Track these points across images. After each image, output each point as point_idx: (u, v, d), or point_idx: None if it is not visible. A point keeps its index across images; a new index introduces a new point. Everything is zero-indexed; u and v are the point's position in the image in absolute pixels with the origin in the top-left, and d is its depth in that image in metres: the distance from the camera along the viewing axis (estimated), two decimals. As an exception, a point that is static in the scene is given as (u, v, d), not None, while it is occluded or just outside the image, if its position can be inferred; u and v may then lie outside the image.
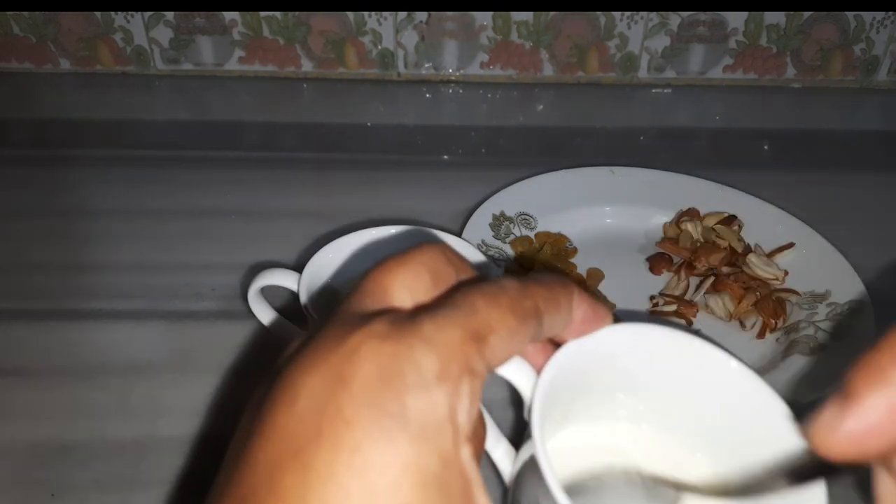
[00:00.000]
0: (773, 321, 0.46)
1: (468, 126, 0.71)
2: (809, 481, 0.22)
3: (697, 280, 0.50)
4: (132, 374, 0.43)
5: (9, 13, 0.71)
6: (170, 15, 0.72)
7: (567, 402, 0.26)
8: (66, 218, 0.56)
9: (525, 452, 0.25)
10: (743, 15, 0.72)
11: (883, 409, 0.18)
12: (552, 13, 0.72)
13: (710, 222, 0.54)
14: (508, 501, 0.27)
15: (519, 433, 0.25)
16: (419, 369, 0.18)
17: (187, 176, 0.61)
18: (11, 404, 0.41)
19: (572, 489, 0.26)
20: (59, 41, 0.73)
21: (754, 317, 0.47)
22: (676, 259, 0.52)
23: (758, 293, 0.48)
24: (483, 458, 0.26)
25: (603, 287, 0.50)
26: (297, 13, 0.72)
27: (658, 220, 0.56)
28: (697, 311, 0.48)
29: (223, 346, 0.45)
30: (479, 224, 0.52)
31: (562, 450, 0.27)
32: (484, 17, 0.72)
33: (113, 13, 0.71)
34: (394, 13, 0.72)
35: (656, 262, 0.52)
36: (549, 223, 0.54)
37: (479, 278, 0.22)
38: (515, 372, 0.24)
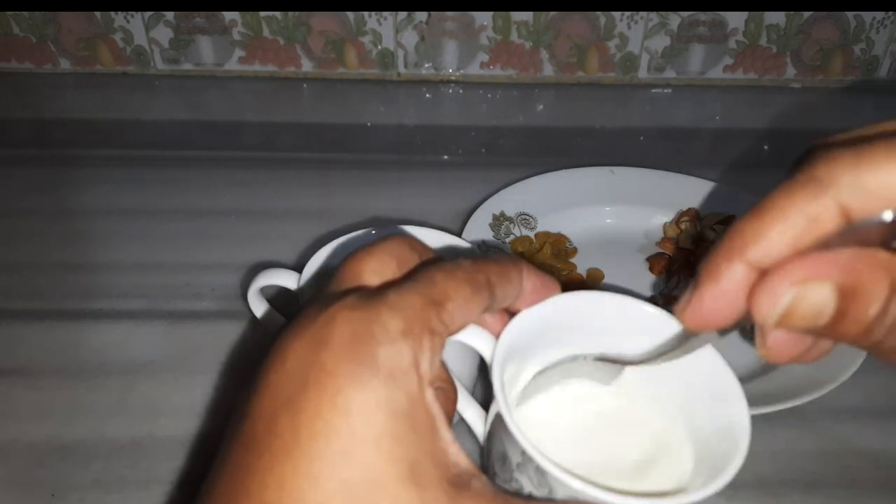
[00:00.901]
0: (774, 321, 0.46)
1: (468, 126, 0.71)
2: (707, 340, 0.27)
3: (697, 280, 0.50)
4: (132, 374, 0.43)
5: (9, 13, 0.71)
6: (170, 15, 0.72)
7: (526, 361, 0.30)
8: (66, 218, 0.56)
9: (492, 411, 0.29)
10: (743, 15, 0.72)
11: (711, 295, 0.23)
12: (552, 13, 0.72)
13: (710, 222, 0.54)
14: (483, 458, 0.30)
15: (487, 399, 0.28)
16: (386, 328, 0.22)
17: (187, 176, 0.61)
18: (11, 404, 0.41)
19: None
20: (59, 41, 0.73)
21: (754, 317, 0.47)
22: (676, 259, 0.52)
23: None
24: (459, 422, 0.31)
25: (603, 287, 0.50)
26: (297, 13, 0.72)
27: (658, 220, 0.56)
28: (697, 310, 0.48)
29: (223, 346, 0.45)
30: (479, 224, 0.52)
31: (526, 410, 0.31)
32: (484, 17, 0.72)
33: (113, 13, 0.71)
34: (394, 13, 0.72)
35: (656, 262, 0.52)
36: (549, 223, 0.54)
37: (439, 259, 0.26)
38: (478, 339, 0.28)
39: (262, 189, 0.60)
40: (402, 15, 0.72)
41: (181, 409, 0.41)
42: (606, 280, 0.50)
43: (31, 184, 0.60)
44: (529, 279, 0.27)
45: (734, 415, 0.28)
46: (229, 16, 0.72)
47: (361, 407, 0.21)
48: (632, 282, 0.50)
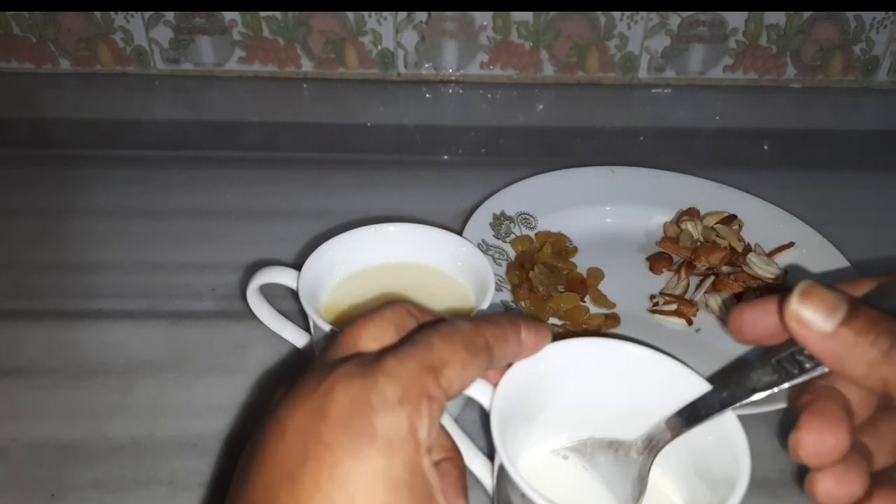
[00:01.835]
0: (774, 321, 0.46)
1: (468, 126, 0.71)
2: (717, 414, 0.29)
3: (697, 279, 0.50)
4: (132, 374, 0.43)
5: (9, 13, 0.71)
6: (170, 15, 0.72)
7: (526, 411, 0.32)
8: (67, 218, 0.56)
9: (496, 461, 0.30)
10: (743, 15, 0.72)
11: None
12: (552, 13, 0.72)
13: (710, 222, 0.54)
14: None
15: (493, 447, 0.29)
16: (384, 396, 0.22)
17: (187, 176, 0.61)
18: (11, 404, 0.41)
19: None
20: (59, 41, 0.73)
21: (754, 316, 0.47)
22: (676, 258, 0.52)
23: (758, 293, 0.47)
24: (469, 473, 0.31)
25: (603, 286, 0.50)
26: (297, 13, 0.72)
27: (658, 219, 0.56)
28: (697, 310, 0.48)
29: (223, 345, 0.45)
30: (480, 223, 0.52)
31: (535, 461, 0.33)
32: (484, 17, 0.72)
33: (113, 13, 0.71)
34: (394, 13, 0.72)
35: (656, 262, 0.52)
36: (549, 222, 0.54)
37: (438, 321, 0.26)
38: (477, 389, 0.29)
39: (262, 189, 0.60)
40: (402, 15, 0.72)
41: (181, 409, 0.40)
42: (606, 279, 0.50)
43: (30, 184, 0.60)
44: (529, 336, 0.28)
45: (731, 435, 0.29)
46: (229, 16, 0.72)
47: (359, 478, 0.21)
48: (632, 281, 0.50)
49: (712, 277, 0.49)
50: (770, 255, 0.51)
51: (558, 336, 0.45)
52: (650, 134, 0.71)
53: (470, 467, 0.34)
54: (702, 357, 0.42)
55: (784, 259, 0.51)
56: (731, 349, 0.45)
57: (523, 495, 0.26)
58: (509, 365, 0.30)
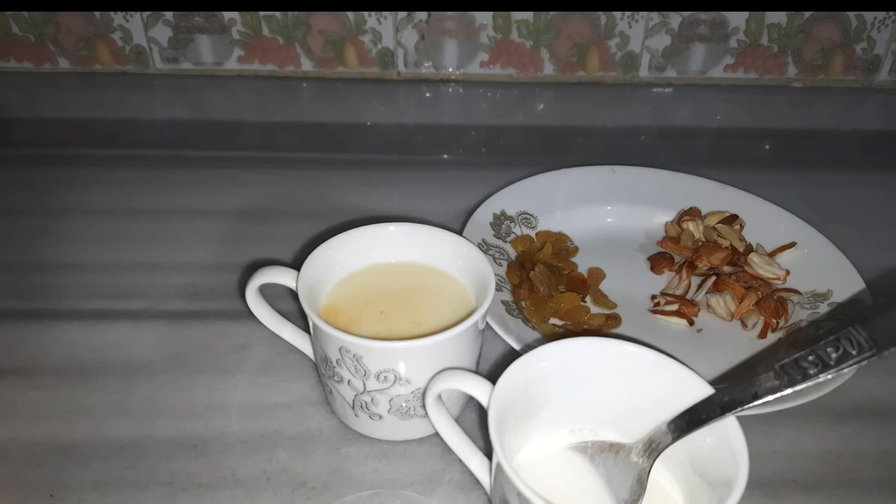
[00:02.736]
0: (775, 321, 0.46)
1: (469, 125, 0.71)
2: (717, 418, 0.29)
3: (699, 280, 0.50)
4: (132, 375, 0.42)
5: (8, 13, 0.71)
6: (169, 14, 0.72)
7: (526, 410, 0.32)
8: (66, 217, 0.56)
9: (494, 459, 0.30)
10: (744, 14, 0.72)
11: None
12: (552, 13, 0.72)
13: (712, 221, 0.54)
14: None
15: (490, 446, 0.29)
16: None
17: (186, 176, 0.61)
18: (11, 404, 0.40)
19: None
20: (58, 40, 0.73)
21: (756, 316, 0.47)
22: (678, 258, 0.52)
23: (759, 293, 0.47)
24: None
25: (604, 286, 0.49)
26: (296, 13, 0.71)
27: (659, 219, 0.56)
28: (699, 310, 0.48)
29: (223, 346, 0.44)
30: (480, 223, 0.52)
31: (533, 460, 0.33)
32: (484, 17, 0.72)
33: (112, 13, 0.71)
34: (394, 13, 0.72)
35: (658, 262, 0.52)
36: (549, 222, 0.54)
37: None
38: (475, 387, 0.30)
39: (262, 189, 0.60)
40: (402, 14, 0.72)
41: (181, 409, 0.40)
42: (607, 279, 0.50)
43: (29, 183, 0.60)
44: None
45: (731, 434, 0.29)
46: (228, 15, 0.72)
47: None
48: (633, 281, 0.50)
49: (714, 278, 0.49)
50: (772, 255, 0.51)
51: (559, 336, 0.45)
52: (651, 133, 0.71)
53: (468, 466, 0.34)
54: (703, 358, 0.42)
55: (786, 259, 0.51)
56: (732, 350, 0.45)
57: (519, 494, 0.27)
58: (509, 364, 0.30)
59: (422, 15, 0.72)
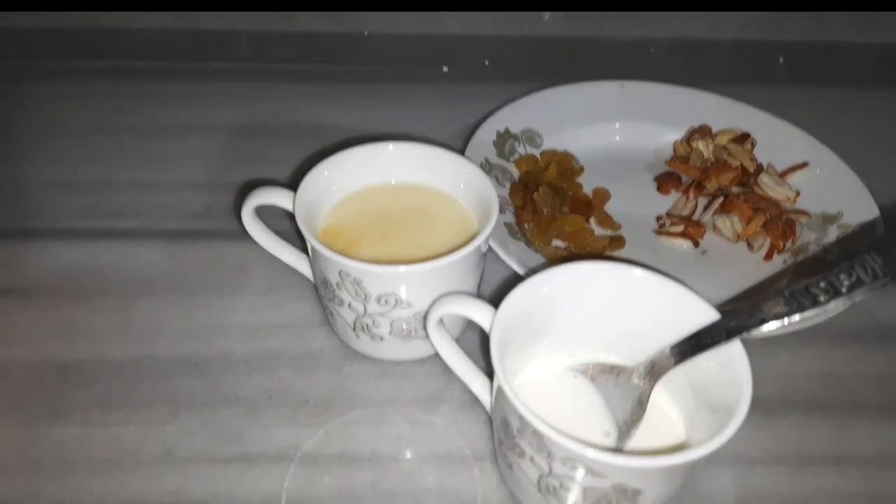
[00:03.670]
0: (782, 243, 0.45)
1: (470, 36, 0.67)
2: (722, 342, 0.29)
3: (706, 200, 0.49)
4: (130, 295, 0.42)
5: None
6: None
7: (528, 333, 0.32)
8: (53, 134, 0.54)
9: (495, 382, 0.30)
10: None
11: None
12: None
13: (723, 140, 0.52)
14: (494, 428, 0.32)
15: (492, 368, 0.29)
16: None
17: (177, 89, 0.59)
18: (8, 325, 0.40)
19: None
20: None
21: (762, 238, 0.46)
22: (686, 178, 0.51)
23: (767, 214, 0.46)
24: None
25: (609, 207, 0.48)
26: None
27: (668, 137, 0.54)
28: (705, 231, 0.47)
29: (221, 267, 0.44)
30: (483, 142, 0.50)
31: (535, 380, 0.33)
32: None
33: None
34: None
35: (665, 182, 0.50)
36: (555, 140, 0.52)
37: None
38: (477, 311, 0.30)
39: (255, 103, 0.57)
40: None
41: (181, 330, 0.40)
42: (613, 200, 0.49)
43: (12, 98, 0.57)
44: None
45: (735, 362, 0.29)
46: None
47: None
48: (639, 202, 0.49)
49: (722, 198, 0.48)
50: (783, 175, 0.50)
51: (562, 258, 0.44)
52: (662, 46, 0.67)
53: (470, 387, 0.34)
54: (707, 280, 0.42)
55: (797, 179, 0.50)
56: (737, 272, 0.44)
57: (520, 417, 0.27)
58: (511, 288, 0.29)
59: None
